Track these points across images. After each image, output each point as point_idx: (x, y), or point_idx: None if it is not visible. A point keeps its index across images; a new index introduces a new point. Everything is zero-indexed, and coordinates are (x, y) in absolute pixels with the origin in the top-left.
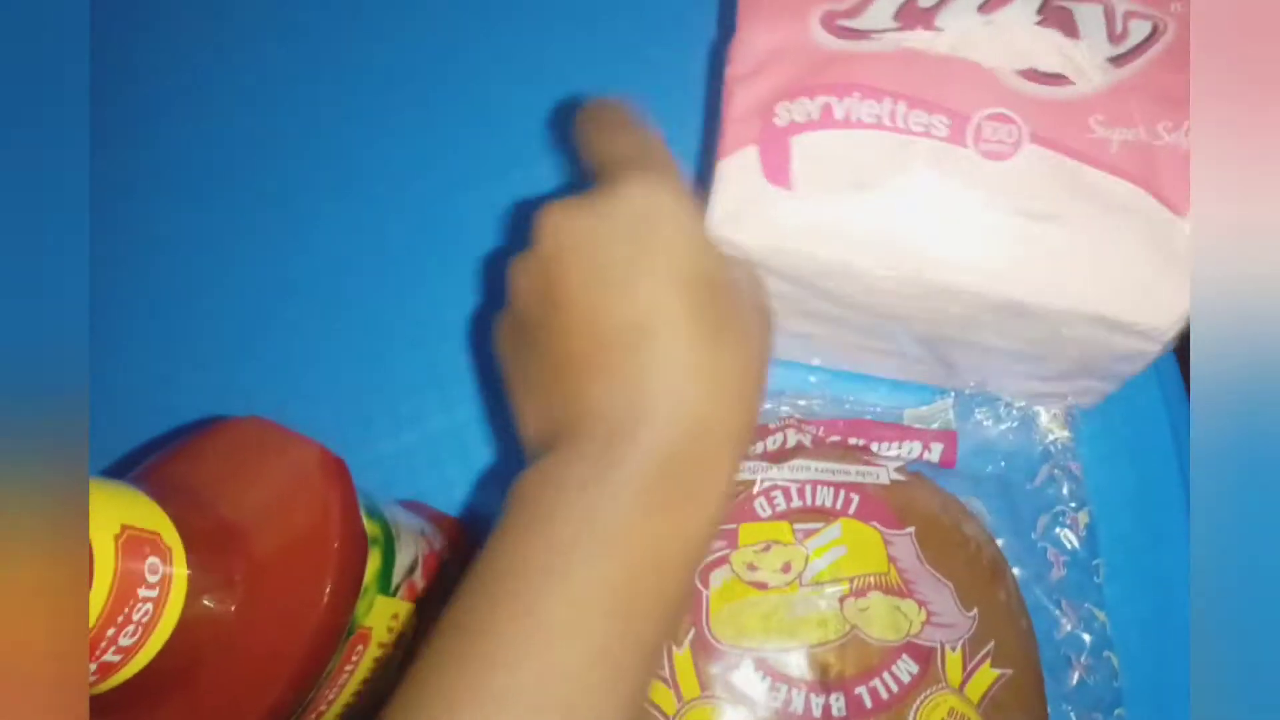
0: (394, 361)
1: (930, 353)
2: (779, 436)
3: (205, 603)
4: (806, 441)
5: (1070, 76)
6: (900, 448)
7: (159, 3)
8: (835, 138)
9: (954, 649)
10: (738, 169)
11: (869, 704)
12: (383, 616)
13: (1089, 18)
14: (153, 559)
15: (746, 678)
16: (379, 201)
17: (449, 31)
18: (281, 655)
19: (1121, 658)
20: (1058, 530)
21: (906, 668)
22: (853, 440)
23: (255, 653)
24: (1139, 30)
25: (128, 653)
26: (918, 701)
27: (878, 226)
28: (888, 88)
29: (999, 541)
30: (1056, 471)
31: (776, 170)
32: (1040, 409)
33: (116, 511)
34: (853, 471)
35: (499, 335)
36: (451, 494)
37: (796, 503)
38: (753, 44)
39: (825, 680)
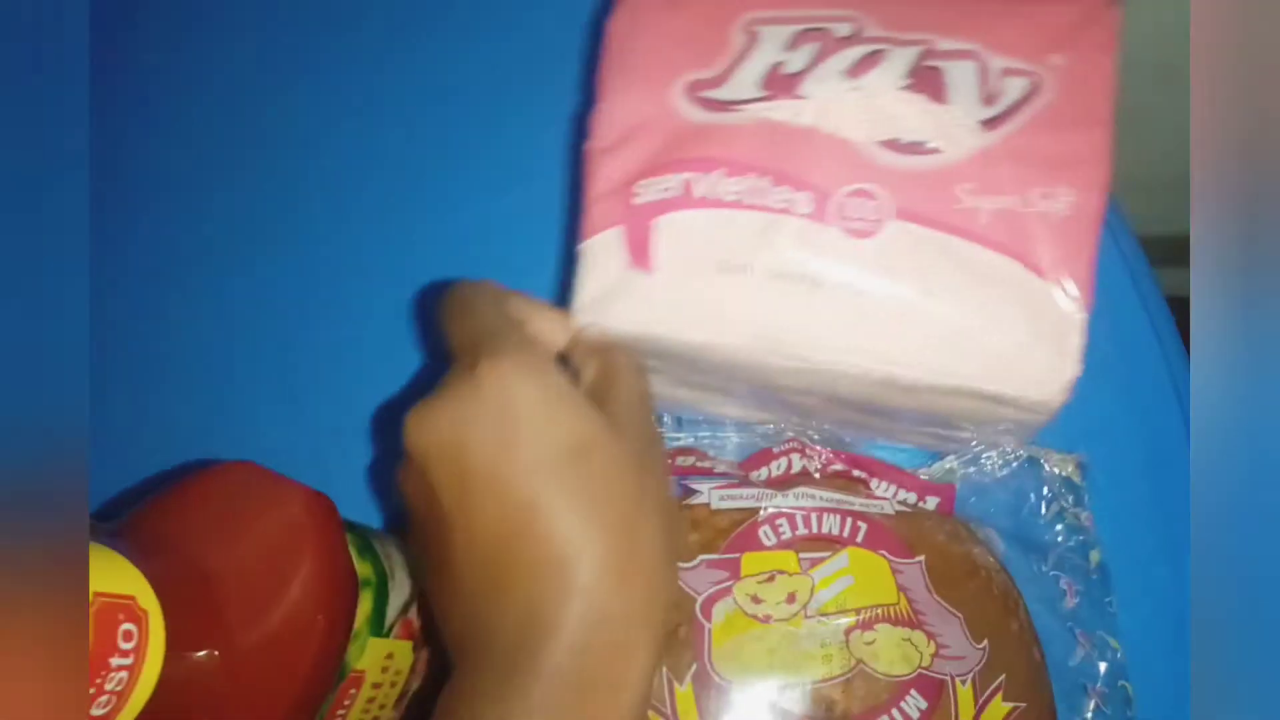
0: (404, 369)
1: (831, 417)
2: (783, 461)
3: (188, 659)
4: (811, 469)
5: (937, 144)
6: (898, 492)
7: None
8: (698, 217)
9: (965, 682)
10: (601, 252)
11: None
12: (376, 658)
13: (961, 78)
14: (126, 625)
15: (750, 716)
16: (374, 216)
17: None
18: (272, 706)
19: (1136, 686)
20: (1068, 567)
21: (915, 704)
22: (856, 473)
23: (244, 705)
24: (1014, 89)
25: (112, 711)
26: None
27: (747, 309)
28: (751, 163)
29: (1009, 570)
30: (1066, 515)
31: (639, 252)
32: (1048, 455)
33: (89, 579)
34: (856, 502)
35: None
36: None
37: (802, 530)
38: (615, 114)
39: (831, 718)
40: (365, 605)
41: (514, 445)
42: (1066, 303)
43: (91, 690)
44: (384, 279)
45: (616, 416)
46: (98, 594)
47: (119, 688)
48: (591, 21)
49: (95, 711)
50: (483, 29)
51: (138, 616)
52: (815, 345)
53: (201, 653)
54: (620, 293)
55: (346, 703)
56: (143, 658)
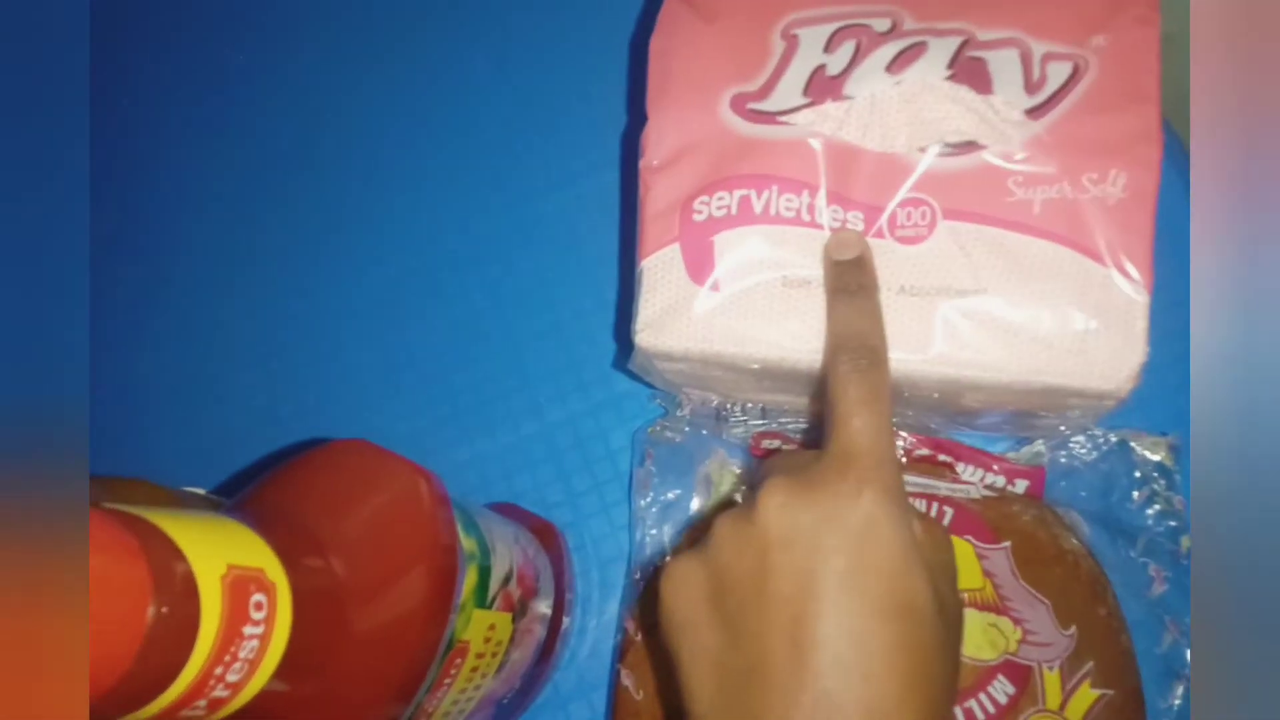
0: (486, 366)
1: (908, 412)
2: None
3: (310, 627)
4: (898, 453)
5: (983, 140)
6: (985, 476)
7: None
8: (756, 233)
9: (1052, 668)
10: (661, 269)
11: None
12: (479, 628)
13: (1004, 66)
14: (257, 596)
15: None
16: (467, 205)
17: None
18: (384, 673)
19: None
20: (1157, 554)
21: (1003, 688)
22: (941, 457)
23: (358, 672)
24: (1058, 74)
25: (235, 687)
26: None
27: (810, 322)
28: (805, 179)
29: (1097, 555)
30: (1156, 499)
31: (700, 269)
32: (1139, 439)
33: (222, 552)
34: (942, 487)
35: (681, 582)
36: (543, 494)
37: None
38: (664, 131)
39: None
40: (471, 578)
41: (865, 570)
42: (1128, 287)
43: (226, 658)
44: (467, 296)
45: (940, 591)
46: (230, 566)
47: (252, 655)
48: (634, 40)
49: (231, 678)
50: (527, 50)
51: (267, 587)
52: None
53: (320, 622)
54: (683, 309)
55: (453, 671)
56: (272, 626)
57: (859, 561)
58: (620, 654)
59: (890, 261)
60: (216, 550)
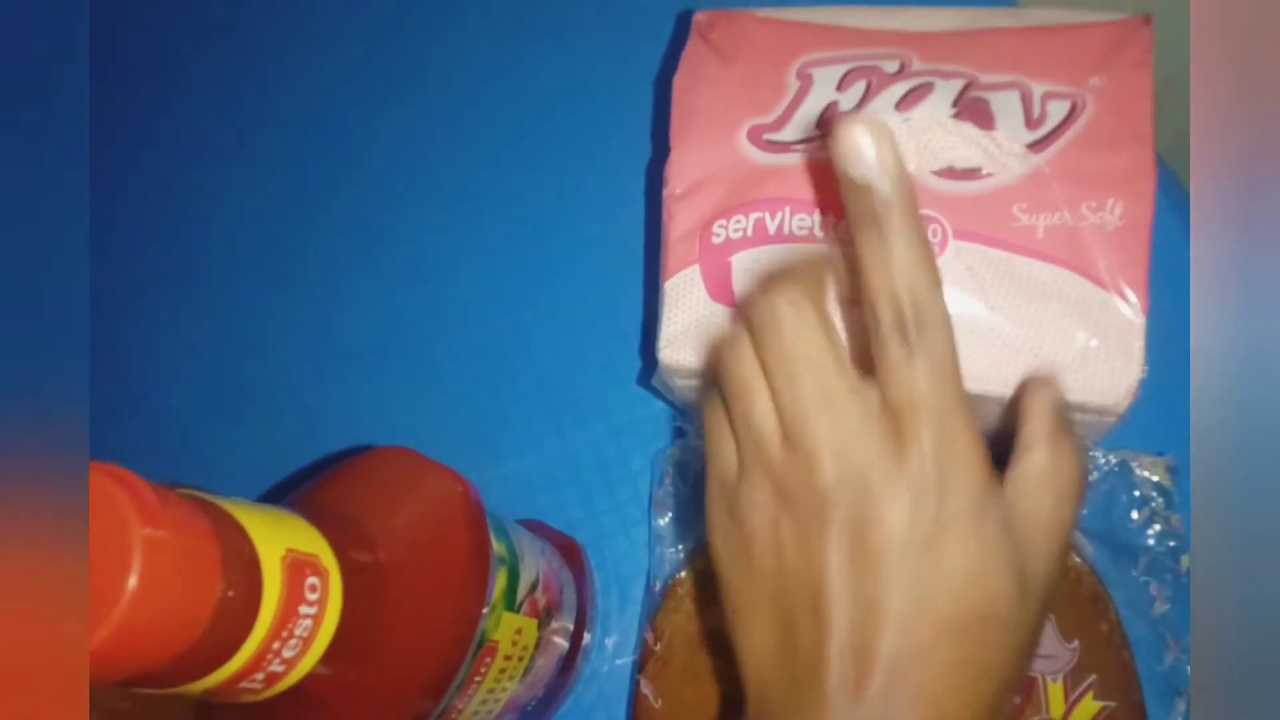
0: (512, 390)
1: None
2: None
3: (355, 617)
4: None
5: (989, 169)
6: None
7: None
8: (773, 253)
9: (1055, 680)
10: (683, 289)
11: None
12: (508, 631)
13: (1005, 105)
14: (312, 579)
15: None
16: (500, 235)
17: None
18: (422, 664)
19: None
20: (1159, 572)
21: None
22: None
23: (399, 661)
24: (1057, 111)
25: (290, 664)
26: None
27: None
28: (816, 200)
29: (1099, 573)
30: (1156, 518)
31: (720, 288)
32: (1138, 459)
33: (282, 536)
34: None
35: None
36: (566, 513)
37: None
38: (686, 163)
39: None
40: (501, 581)
41: (931, 586)
42: (1126, 309)
43: (284, 634)
44: (491, 315)
45: (1034, 583)
46: (289, 549)
47: (306, 633)
48: (658, 80)
49: (287, 654)
50: (559, 91)
51: (321, 572)
52: None
53: (364, 611)
54: (704, 327)
55: (483, 670)
56: (324, 608)
57: (927, 572)
58: (640, 665)
59: None
60: (277, 535)
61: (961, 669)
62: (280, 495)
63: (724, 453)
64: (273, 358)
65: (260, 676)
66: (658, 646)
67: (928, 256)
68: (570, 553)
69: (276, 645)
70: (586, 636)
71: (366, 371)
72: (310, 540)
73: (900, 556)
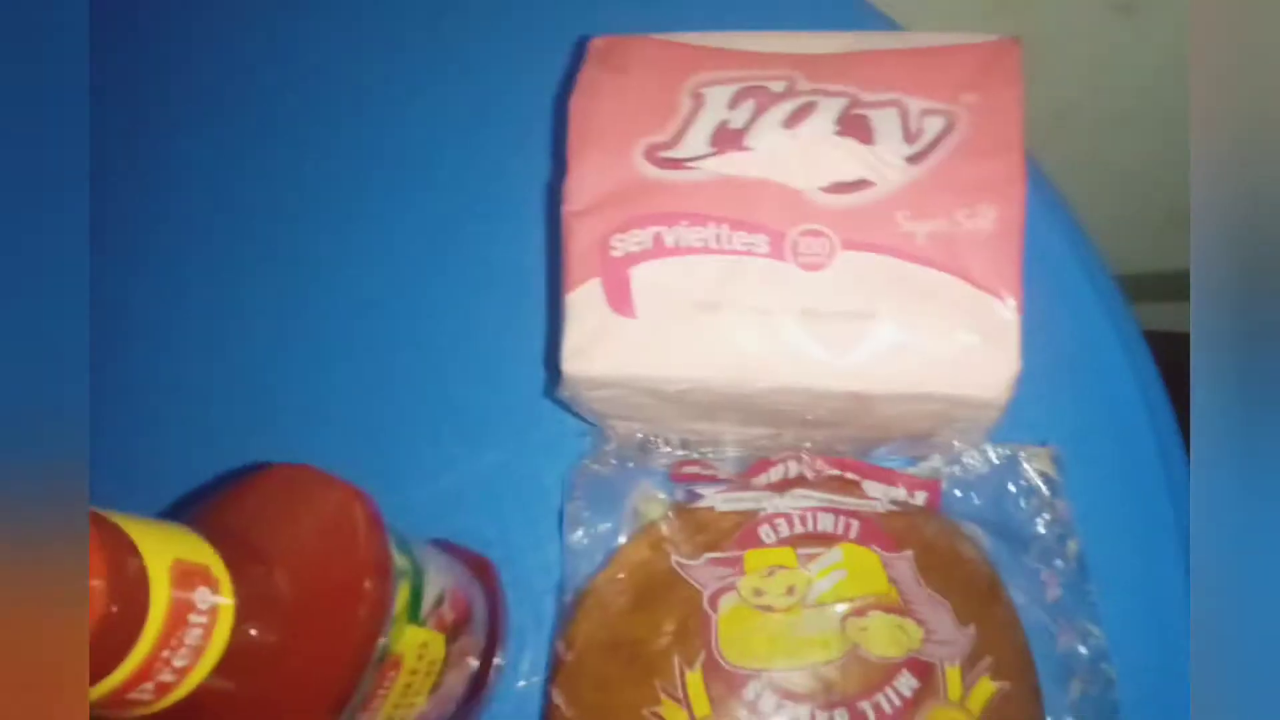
0: (419, 411)
1: (817, 434)
2: (780, 468)
3: (249, 630)
4: (808, 474)
5: (872, 179)
6: (888, 490)
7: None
8: (670, 264)
9: (953, 664)
10: (584, 302)
11: (872, 718)
12: (413, 644)
13: (885, 121)
14: (202, 589)
15: (754, 696)
16: (397, 252)
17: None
18: (319, 680)
19: (1119, 669)
20: (1051, 558)
21: (908, 683)
22: (849, 475)
23: (295, 678)
24: (933, 126)
25: (181, 674)
26: (919, 716)
27: (721, 343)
28: (711, 213)
29: (994, 562)
30: (1044, 507)
31: (619, 300)
32: (1025, 451)
33: (170, 548)
34: (850, 502)
35: None
36: (479, 533)
37: (799, 529)
38: (584, 180)
39: (829, 697)
40: (404, 593)
41: None
42: (1001, 308)
43: (173, 642)
44: (399, 322)
45: None
46: (177, 560)
47: (196, 642)
48: (556, 102)
49: (177, 663)
50: (462, 112)
51: (212, 582)
52: (784, 369)
53: (260, 626)
54: (604, 337)
55: (386, 684)
56: (215, 619)
57: None
58: (552, 675)
59: (794, 285)
60: (165, 547)
61: None
62: (178, 512)
63: None
64: (173, 374)
65: (150, 686)
66: (569, 656)
67: None
68: (481, 570)
69: (166, 654)
70: (499, 653)
71: (265, 391)
72: (200, 552)
73: None
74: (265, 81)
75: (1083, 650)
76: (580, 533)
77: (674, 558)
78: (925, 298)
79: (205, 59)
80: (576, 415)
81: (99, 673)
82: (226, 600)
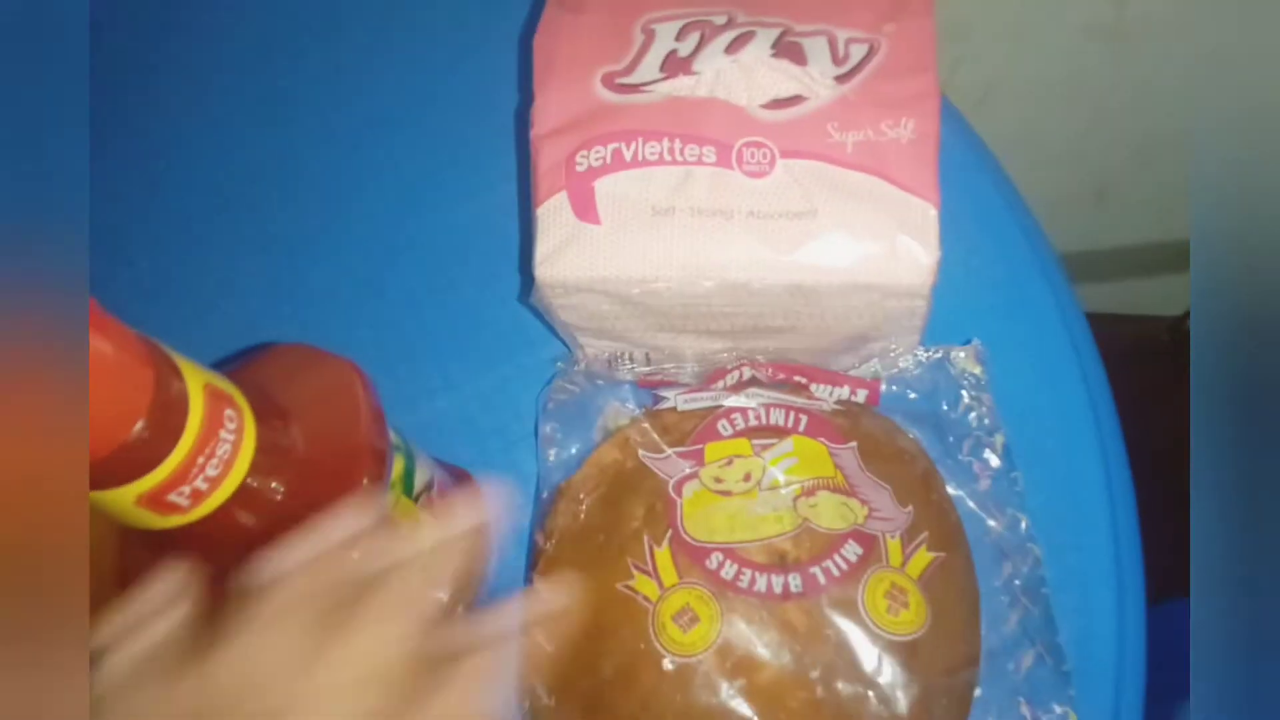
0: (400, 343)
1: (769, 343)
2: (736, 374)
3: (267, 459)
4: (761, 376)
5: (805, 95)
6: (833, 391)
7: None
8: (629, 176)
9: (894, 537)
10: (553, 213)
11: (822, 581)
12: (406, 518)
13: (816, 48)
14: (230, 410)
15: (716, 565)
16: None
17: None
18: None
19: (1044, 550)
20: (981, 450)
21: (853, 550)
22: (798, 379)
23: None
24: (858, 51)
25: (213, 483)
26: (864, 577)
27: (676, 243)
28: (664, 129)
29: (930, 455)
30: (972, 402)
31: (585, 209)
32: (953, 351)
33: (202, 375)
34: (799, 401)
35: None
36: (456, 457)
37: (754, 422)
38: (548, 107)
39: (784, 564)
40: (399, 464)
41: None
42: (921, 206)
43: (207, 450)
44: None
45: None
46: (208, 384)
47: (226, 455)
48: (521, 42)
49: (210, 472)
50: (439, 55)
51: (237, 408)
52: (732, 266)
53: (278, 459)
54: (572, 244)
55: None
56: (240, 439)
57: None
58: (532, 563)
59: (740, 191)
60: (199, 372)
61: None
62: None
63: None
64: (142, 283)
65: (186, 490)
66: (548, 545)
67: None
68: (462, 480)
69: (201, 460)
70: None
71: (243, 325)
72: (227, 385)
73: None
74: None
75: (1011, 535)
76: (554, 452)
77: (641, 453)
78: (856, 198)
79: None
80: (550, 338)
81: (153, 459)
82: (249, 428)
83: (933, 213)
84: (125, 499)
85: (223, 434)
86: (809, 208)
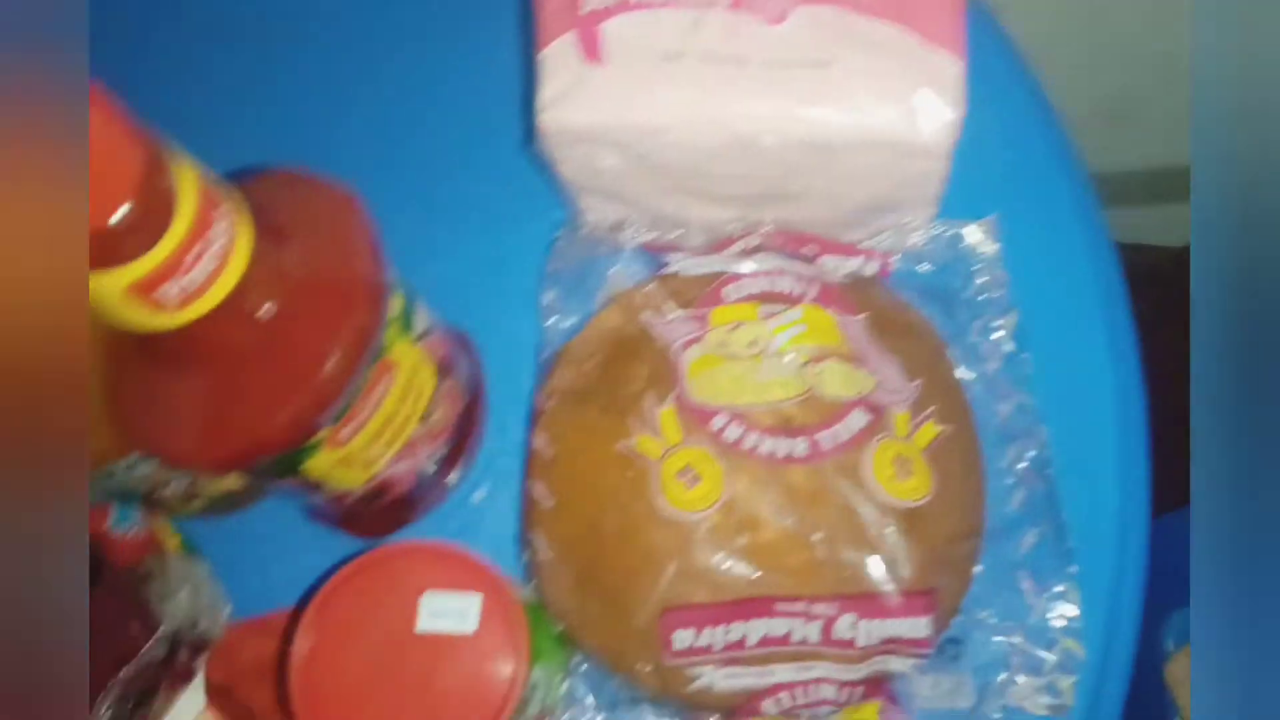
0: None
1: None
2: (743, 242)
3: (261, 270)
4: (769, 245)
5: None
6: (843, 262)
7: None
8: (637, 17)
9: (901, 409)
10: (558, 56)
11: (828, 446)
12: (407, 358)
13: None
14: (224, 206)
15: (721, 426)
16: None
17: None
18: (319, 353)
19: (1051, 430)
20: (990, 331)
21: (860, 418)
22: (806, 249)
23: (296, 346)
24: None
25: (203, 285)
26: (870, 445)
27: (686, 89)
28: None
29: (940, 333)
30: (985, 280)
31: (591, 50)
32: (967, 228)
33: (198, 169)
34: (809, 270)
35: None
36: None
37: (763, 288)
38: None
39: (789, 429)
40: (398, 301)
41: None
42: (945, 58)
43: (198, 246)
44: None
45: None
46: (203, 177)
47: (220, 251)
48: None
49: (205, 265)
50: None
51: (234, 209)
52: (743, 115)
53: (270, 275)
54: (579, 87)
55: (379, 389)
56: (234, 239)
57: None
58: (534, 422)
59: (754, 36)
60: (194, 165)
61: None
62: None
63: None
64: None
65: (176, 289)
66: (549, 404)
67: None
68: (463, 342)
69: (192, 255)
70: (479, 423)
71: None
72: (225, 187)
73: None
74: None
75: (1019, 416)
76: (556, 318)
77: (645, 314)
78: (876, 48)
79: None
80: (553, 205)
81: (137, 252)
82: (245, 230)
83: (959, 65)
84: (116, 285)
85: (214, 232)
86: (826, 56)
